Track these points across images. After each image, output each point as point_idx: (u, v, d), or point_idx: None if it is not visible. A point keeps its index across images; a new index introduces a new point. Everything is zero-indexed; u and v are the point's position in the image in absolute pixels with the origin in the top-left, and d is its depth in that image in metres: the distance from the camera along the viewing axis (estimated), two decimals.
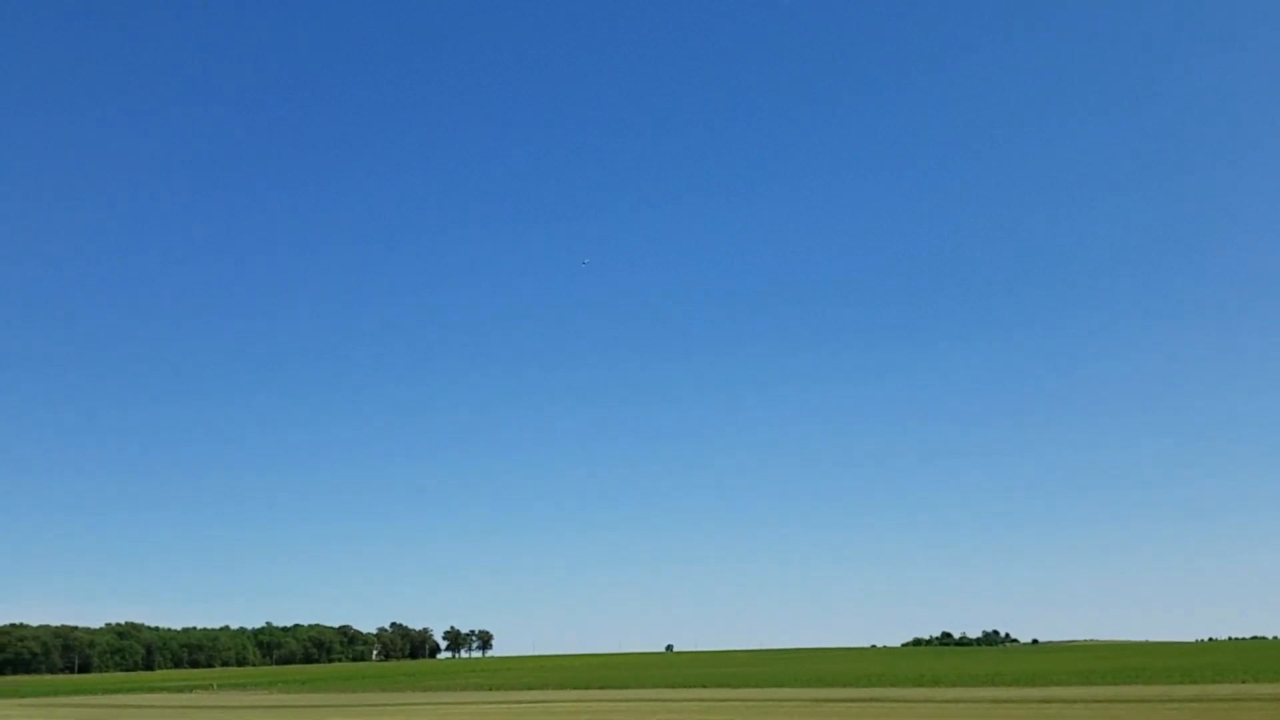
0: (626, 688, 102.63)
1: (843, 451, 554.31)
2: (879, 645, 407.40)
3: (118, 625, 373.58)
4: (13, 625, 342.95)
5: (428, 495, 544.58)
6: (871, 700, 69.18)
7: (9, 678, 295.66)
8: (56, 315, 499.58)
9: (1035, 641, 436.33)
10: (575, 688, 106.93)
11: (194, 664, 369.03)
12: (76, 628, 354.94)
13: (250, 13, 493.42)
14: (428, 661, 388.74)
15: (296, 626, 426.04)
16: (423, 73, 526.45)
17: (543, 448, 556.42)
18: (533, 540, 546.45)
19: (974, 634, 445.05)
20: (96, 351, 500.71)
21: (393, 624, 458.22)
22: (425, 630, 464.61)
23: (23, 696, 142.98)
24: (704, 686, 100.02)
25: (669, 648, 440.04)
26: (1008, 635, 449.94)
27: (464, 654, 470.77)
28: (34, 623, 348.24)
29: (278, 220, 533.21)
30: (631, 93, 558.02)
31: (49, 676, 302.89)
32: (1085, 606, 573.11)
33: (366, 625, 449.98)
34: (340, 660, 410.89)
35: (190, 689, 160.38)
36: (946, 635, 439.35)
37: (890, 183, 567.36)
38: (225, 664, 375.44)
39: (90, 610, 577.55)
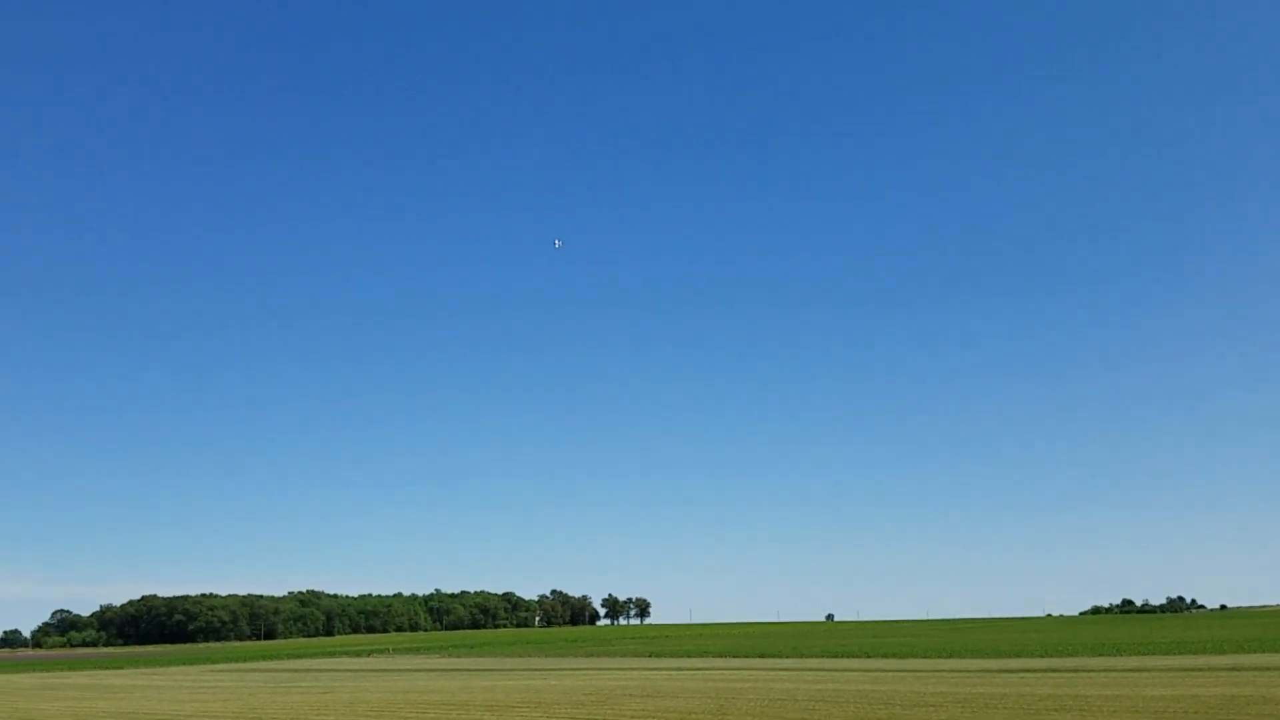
0: (787, 657, 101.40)
1: (1010, 418, 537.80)
2: (1055, 614, 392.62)
3: (300, 593, 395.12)
4: (204, 595, 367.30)
5: (587, 465, 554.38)
6: (1049, 670, 65.89)
7: (201, 644, 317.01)
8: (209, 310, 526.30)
9: (1223, 607, 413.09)
10: (735, 656, 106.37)
11: (370, 629, 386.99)
12: (262, 596, 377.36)
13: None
14: (588, 628, 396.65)
15: (464, 593, 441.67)
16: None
17: (702, 418, 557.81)
18: (691, 508, 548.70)
19: (1157, 600, 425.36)
20: (272, 341, 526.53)
21: (553, 591, 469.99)
22: (585, 597, 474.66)
23: (215, 662, 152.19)
24: (867, 656, 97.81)
25: (830, 617, 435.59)
26: (1193, 601, 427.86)
27: (622, 621, 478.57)
28: (223, 593, 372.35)
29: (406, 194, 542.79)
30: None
31: (238, 643, 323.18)
32: (1276, 570, 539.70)
33: (529, 592, 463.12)
34: (505, 626, 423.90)
35: (368, 653, 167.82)
36: (1128, 602, 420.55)
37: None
38: (399, 629, 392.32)
39: (274, 579, 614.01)
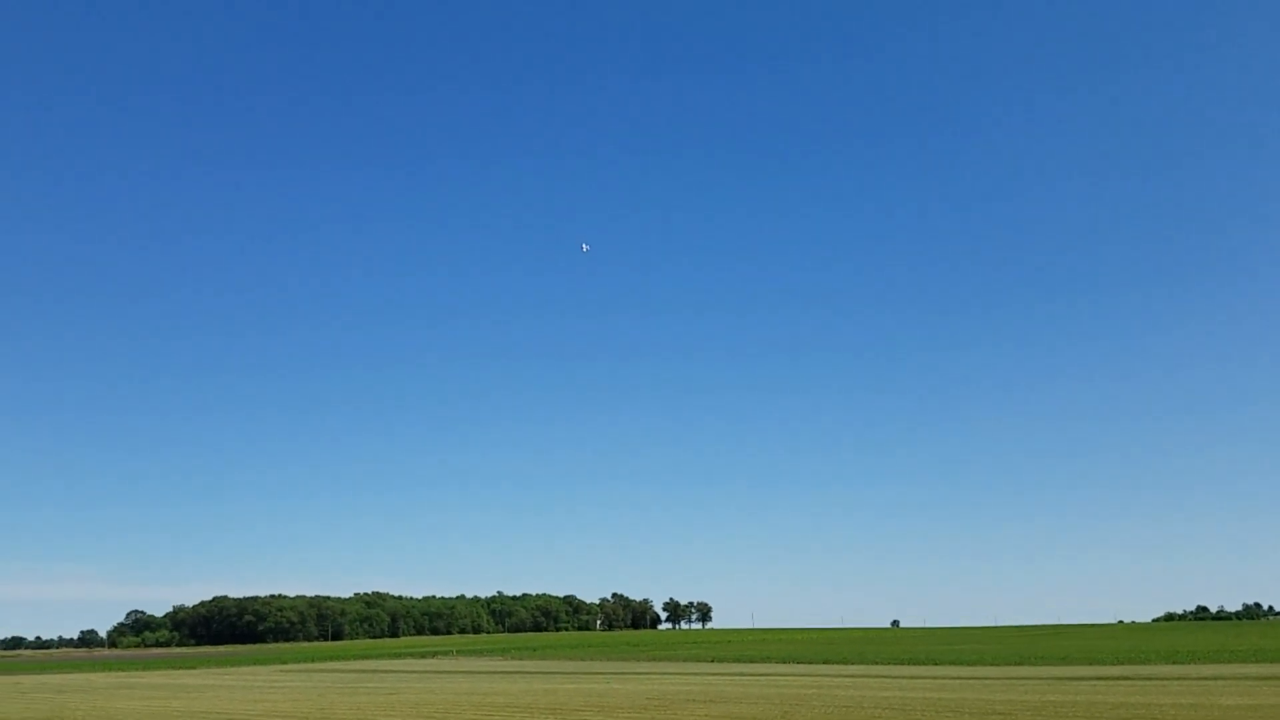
0: (851, 663, 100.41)
1: (1083, 421, 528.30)
2: (1127, 621, 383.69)
3: (365, 595, 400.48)
4: (273, 596, 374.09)
5: (648, 468, 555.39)
6: (1121, 679, 64.36)
7: (271, 645, 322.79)
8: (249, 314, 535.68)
9: None
10: (798, 661, 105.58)
11: (434, 630, 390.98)
12: (329, 598, 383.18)
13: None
14: (649, 632, 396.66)
15: (525, 596, 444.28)
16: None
17: (765, 422, 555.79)
18: (753, 512, 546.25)
19: (1233, 607, 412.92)
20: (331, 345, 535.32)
21: (614, 594, 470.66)
22: (645, 601, 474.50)
23: (284, 663, 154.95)
24: (934, 664, 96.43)
25: (895, 623, 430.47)
26: (1270, 608, 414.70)
27: (683, 625, 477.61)
28: (291, 594, 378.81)
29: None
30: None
31: (306, 643, 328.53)
32: None
33: (590, 595, 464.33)
34: (566, 629, 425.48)
35: (433, 655, 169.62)
36: (1202, 609, 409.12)
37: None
38: (462, 631, 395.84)
39: (341, 581, 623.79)
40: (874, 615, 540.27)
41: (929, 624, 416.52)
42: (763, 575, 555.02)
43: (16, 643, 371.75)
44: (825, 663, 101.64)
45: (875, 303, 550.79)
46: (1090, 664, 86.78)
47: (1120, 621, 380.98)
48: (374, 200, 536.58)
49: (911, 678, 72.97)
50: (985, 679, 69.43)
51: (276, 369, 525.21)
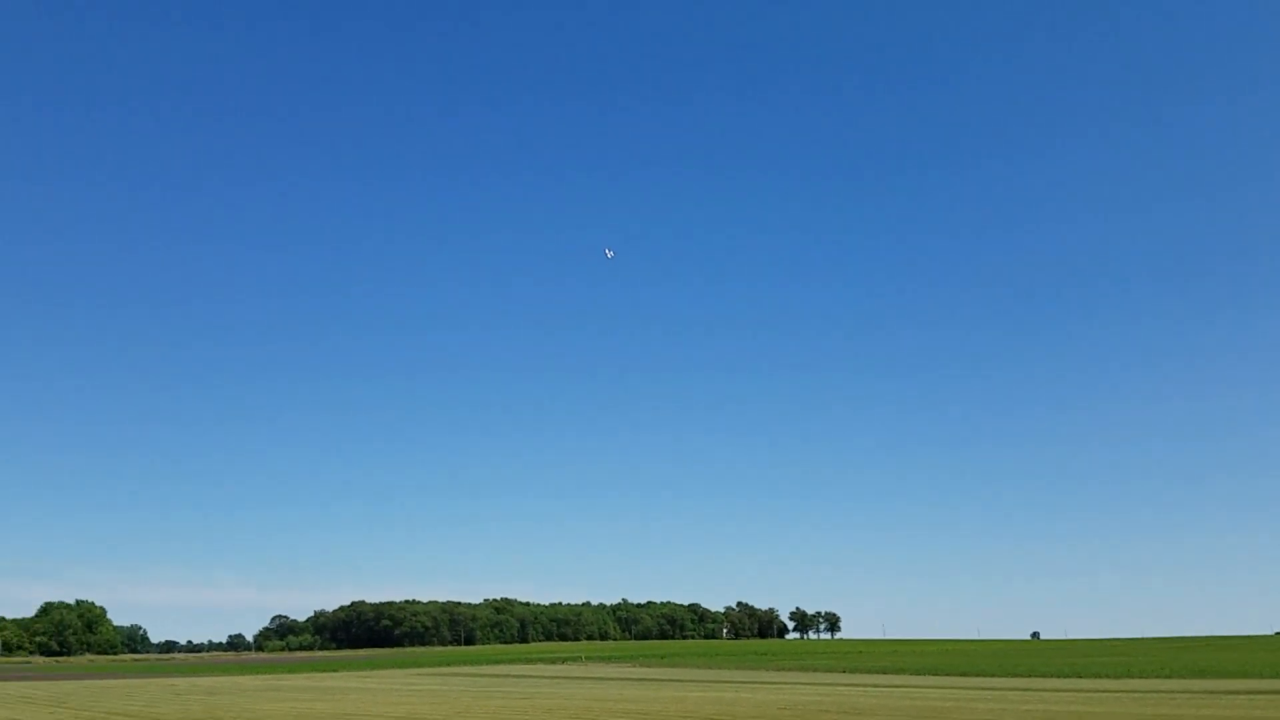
0: (990, 675, 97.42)
1: (1235, 422, 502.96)
2: None
3: (495, 601, 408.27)
4: (408, 601, 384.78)
5: (772, 477, 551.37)
6: None
7: (407, 649, 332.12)
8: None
9: None
10: (933, 673, 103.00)
11: (561, 637, 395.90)
12: (460, 603, 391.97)
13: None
14: (777, 641, 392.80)
15: (650, 603, 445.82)
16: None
17: (895, 429, 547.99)
18: (883, 521, 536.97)
19: None
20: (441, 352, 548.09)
21: (739, 603, 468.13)
22: (772, 610, 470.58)
23: (420, 666, 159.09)
24: (1078, 676, 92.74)
25: (1035, 635, 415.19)
26: None
27: (811, 635, 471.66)
28: (425, 600, 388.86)
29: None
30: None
31: (440, 648, 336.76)
32: None
33: (715, 604, 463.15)
34: (692, 637, 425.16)
35: (562, 660, 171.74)
36: None
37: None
38: (589, 637, 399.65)
39: (471, 588, 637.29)
40: (1013, 626, 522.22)
41: (1071, 635, 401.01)
42: (894, 584, 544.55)
43: (170, 646, 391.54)
44: (962, 674, 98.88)
45: (1015, 296, 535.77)
46: (1246, 676, 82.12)
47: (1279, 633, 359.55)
48: (462, 203, 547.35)
49: (1054, 690, 70.31)
50: (1133, 692, 66.42)
51: (400, 379, 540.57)
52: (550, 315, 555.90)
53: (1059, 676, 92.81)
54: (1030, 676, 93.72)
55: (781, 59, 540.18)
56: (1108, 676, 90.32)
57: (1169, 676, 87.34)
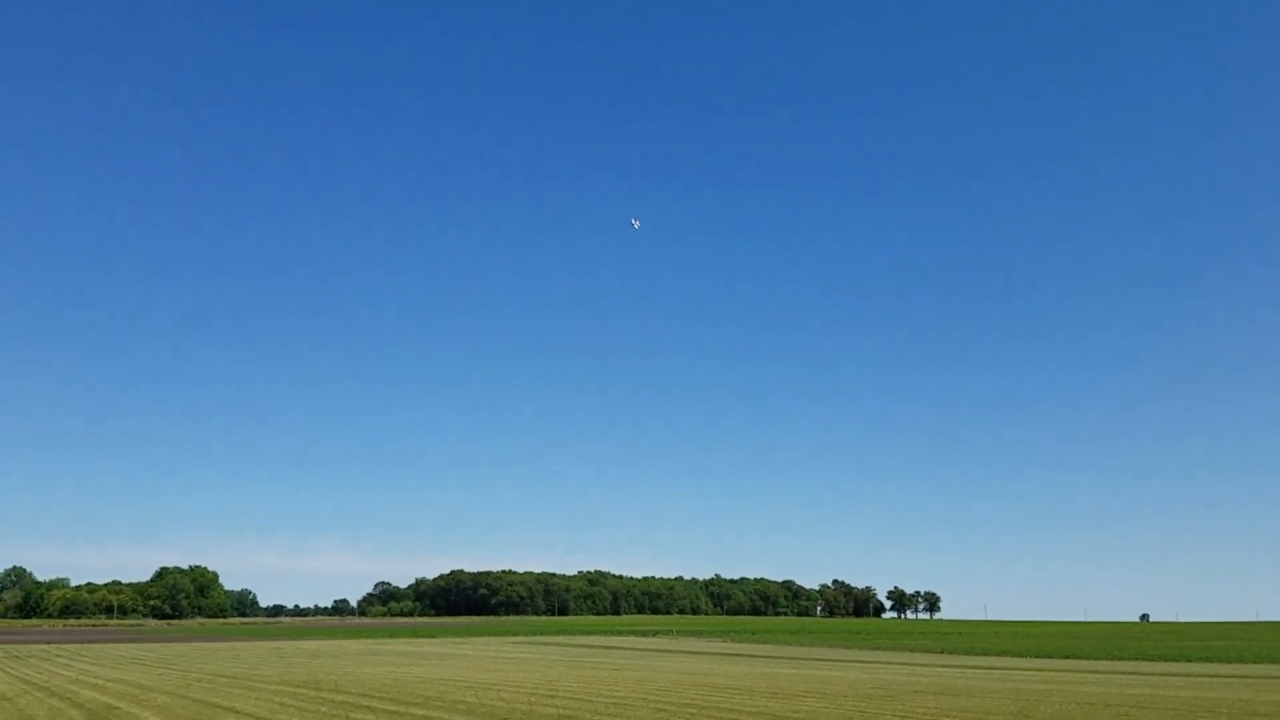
0: (1095, 659, 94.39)
1: None
2: None
3: (589, 573, 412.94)
4: (504, 571, 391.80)
5: (871, 454, 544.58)
6: None
7: (502, 617, 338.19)
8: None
9: None
10: (1035, 655, 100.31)
11: (653, 610, 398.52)
12: (555, 574, 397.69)
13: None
14: (873, 620, 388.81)
15: (744, 579, 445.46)
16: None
17: (996, 407, 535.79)
18: (986, 499, 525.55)
19: None
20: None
21: (835, 581, 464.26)
22: (869, 589, 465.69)
23: (514, 635, 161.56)
24: (1188, 660, 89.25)
25: (1144, 617, 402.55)
26: None
27: (909, 615, 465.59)
28: (521, 570, 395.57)
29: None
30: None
31: (534, 617, 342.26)
32: None
33: (809, 581, 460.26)
34: (785, 614, 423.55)
35: (653, 633, 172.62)
36: None
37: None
38: (681, 611, 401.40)
39: (566, 559, 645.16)
40: (1121, 608, 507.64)
41: (1182, 618, 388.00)
42: (997, 565, 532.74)
43: (278, 610, 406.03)
44: (1066, 657, 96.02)
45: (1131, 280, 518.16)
46: None
47: None
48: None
49: (1163, 675, 67.62)
50: (1247, 677, 63.45)
51: (505, 352, 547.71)
52: (648, 292, 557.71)
53: (1168, 660, 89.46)
54: (1138, 660, 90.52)
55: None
56: (1219, 661, 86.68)
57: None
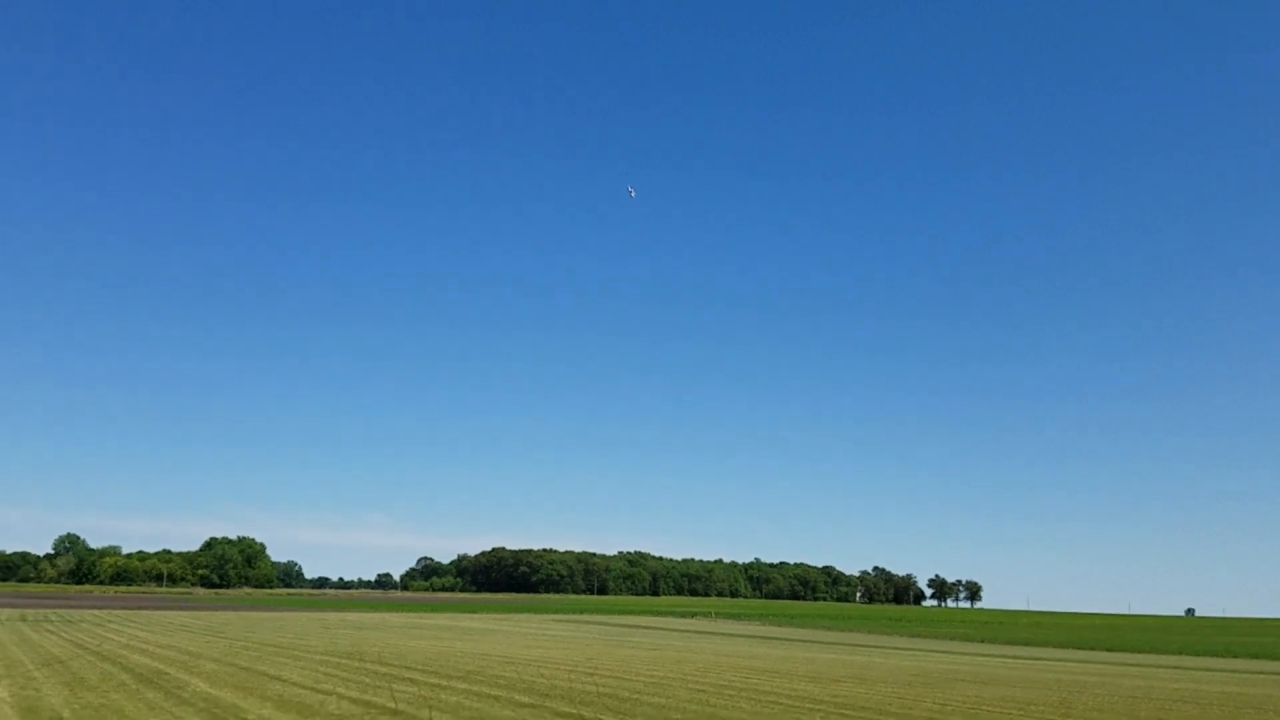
0: (1139, 651, 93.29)
1: None
2: None
3: (629, 554, 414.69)
4: (545, 550, 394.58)
5: (914, 441, 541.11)
6: None
7: (542, 595, 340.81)
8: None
9: None
10: (1078, 647, 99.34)
11: (692, 592, 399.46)
12: (595, 554, 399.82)
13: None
14: (912, 608, 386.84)
15: (783, 564, 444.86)
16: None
17: (1041, 395, 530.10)
18: (1030, 489, 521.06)
19: None
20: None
21: (875, 568, 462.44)
22: (909, 576, 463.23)
23: (554, 613, 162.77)
24: (1233, 656, 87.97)
25: (1190, 612, 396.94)
26: None
27: (950, 603, 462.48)
28: (561, 549, 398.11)
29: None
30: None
31: (574, 596, 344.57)
32: None
33: (849, 567, 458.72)
34: (824, 599, 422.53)
35: (692, 615, 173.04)
36: None
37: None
38: (720, 594, 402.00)
39: (606, 539, 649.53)
40: (1166, 602, 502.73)
41: (1228, 614, 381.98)
42: (1040, 555, 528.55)
43: (323, 583, 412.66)
44: (1109, 650, 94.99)
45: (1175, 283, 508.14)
46: None
47: None
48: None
49: (1207, 669, 66.72)
50: None
51: (547, 334, 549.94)
52: (696, 280, 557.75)
53: (1213, 655, 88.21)
54: (1181, 654, 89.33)
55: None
56: (1266, 658, 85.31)
57: None
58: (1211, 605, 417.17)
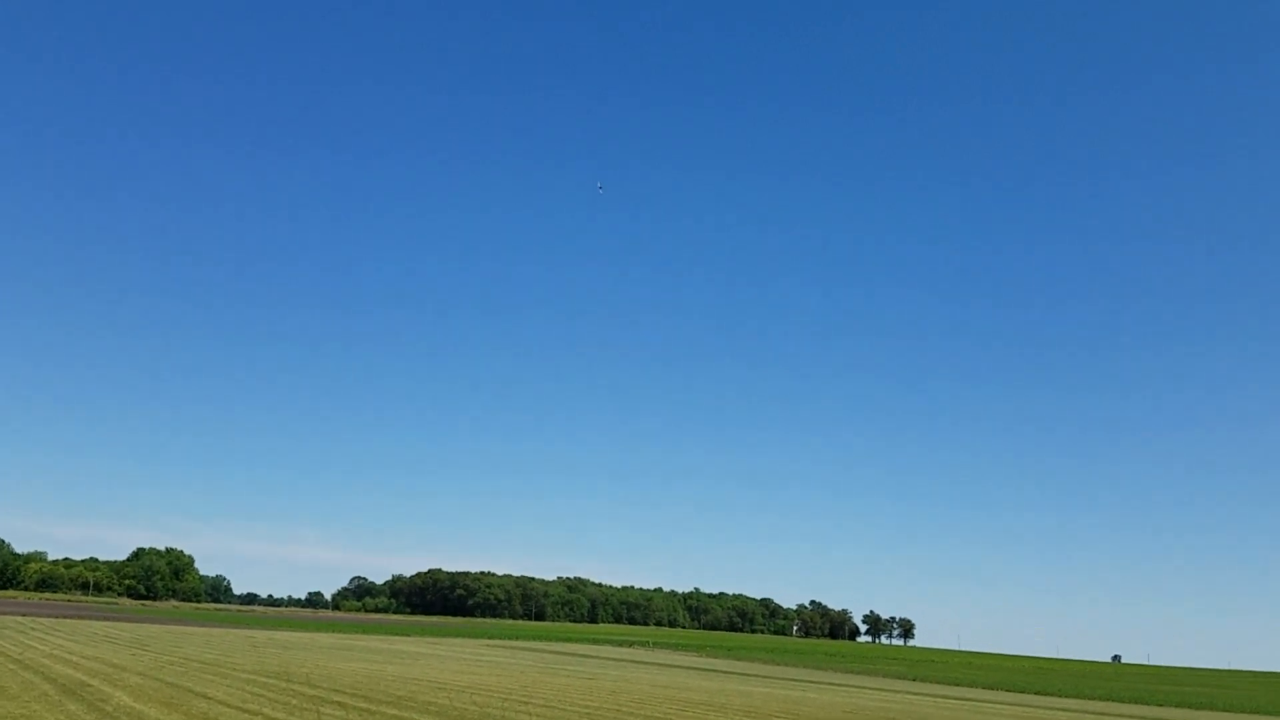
0: (1066, 696, 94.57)
1: None
2: None
3: (568, 579, 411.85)
4: (483, 573, 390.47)
5: (854, 477, 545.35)
6: None
7: (479, 619, 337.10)
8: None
9: None
10: (1007, 689, 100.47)
11: (630, 620, 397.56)
12: (534, 579, 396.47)
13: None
14: (848, 643, 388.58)
15: (722, 595, 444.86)
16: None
17: (982, 439, 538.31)
18: (965, 530, 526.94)
19: None
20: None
21: (812, 602, 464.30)
22: (845, 611, 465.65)
23: (490, 638, 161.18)
24: (1159, 704, 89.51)
25: (1116, 658, 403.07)
26: None
27: (884, 640, 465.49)
28: (500, 572, 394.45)
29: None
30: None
31: (510, 621, 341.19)
32: None
33: (787, 600, 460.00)
34: (762, 632, 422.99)
35: (629, 644, 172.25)
36: None
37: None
38: (658, 623, 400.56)
39: (545, 564, 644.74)
40: (1094, 647, 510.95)
41: (1154, 661, 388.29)
42: (973, 595, 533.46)
43: (251, 599, 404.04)
44: (1038, 693, 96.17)
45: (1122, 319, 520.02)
46: None
47: None
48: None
49: (1133, 716, 67.83)
50: None
51: (493, 354, 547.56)
52: (639, 302, 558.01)
53: (1138, 703, 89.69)
54: (1108, 700, 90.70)
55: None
56: (1190, 707, 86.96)
57: (1253, 712, 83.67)
58: (1137, 652, 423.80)
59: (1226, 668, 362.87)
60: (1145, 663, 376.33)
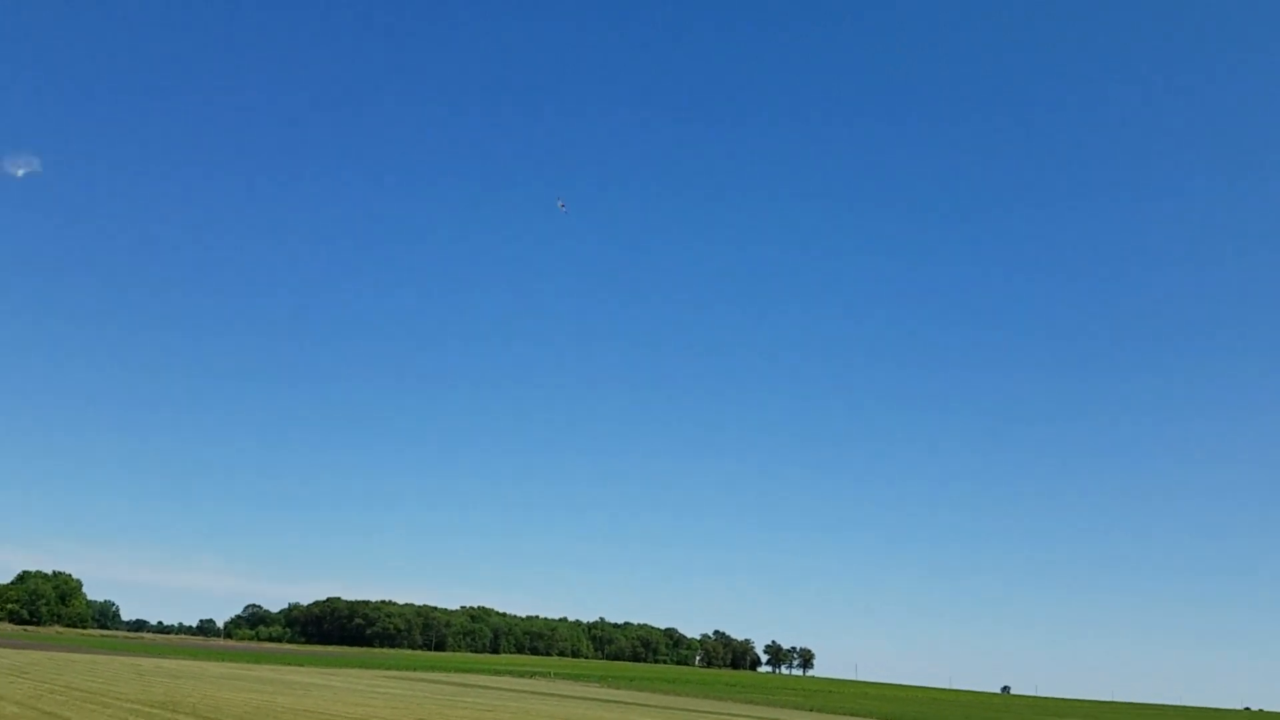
0: None
1: (1236, 492, 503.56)
2: (1255, 709, 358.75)
3: (471, 609, 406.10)
4: (383, 602, 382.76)
5: (757, 508, 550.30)
6: None
7: (377, 649, 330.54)
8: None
9: None
10: None
11: (534, 650, 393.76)
12: (435, 608, 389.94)
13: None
14: (749, 673, 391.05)
15: (626, 624, 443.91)
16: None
17: (878, 473, 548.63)
18: (863, 562, 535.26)
19: None
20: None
21: (716, 632, 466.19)
22: (747, 641, 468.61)
23: (388, 668, 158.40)
24: None
25: (1005, 689, 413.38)
26: None
27: (784, 670, 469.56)
28: (400, 601, 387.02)
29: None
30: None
31: (410, 651, 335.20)
32: None
33: (691, 630, 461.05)
34: (665, 662, 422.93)
35: (531, 675, 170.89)
36: None
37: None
38: (561, 653, 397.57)
39: (447, 593, 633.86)
40: (984, 678, 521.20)
41: (1041, 692, 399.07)
42: (870, 626, 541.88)
43: (140, 625, 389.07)
44: None
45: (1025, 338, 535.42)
46: None
47: (1247, 709, 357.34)
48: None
49: None
50: None
51: (394, 382, 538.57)
52: (545, 329, 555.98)
53: None
54: None
55: (792, 76, 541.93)
56: None
57: None
58: (1026, 683, 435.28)
59: (1109, 699, 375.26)
60: (1033, 694, 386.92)
